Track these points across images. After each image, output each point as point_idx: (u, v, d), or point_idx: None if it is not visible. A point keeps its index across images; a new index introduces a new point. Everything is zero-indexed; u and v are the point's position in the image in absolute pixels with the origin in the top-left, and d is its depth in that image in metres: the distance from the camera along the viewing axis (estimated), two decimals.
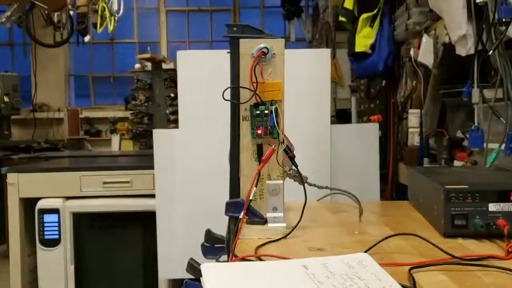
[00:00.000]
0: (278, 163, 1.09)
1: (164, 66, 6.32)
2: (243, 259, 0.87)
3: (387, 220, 1.25)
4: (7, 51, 9.76)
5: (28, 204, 2.61)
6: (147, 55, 6.07)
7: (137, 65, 6.74)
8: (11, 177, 2.60)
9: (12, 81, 5.71)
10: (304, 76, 2.07)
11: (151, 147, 2.28)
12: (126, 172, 2.62)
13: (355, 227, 1.16)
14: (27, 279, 2.67)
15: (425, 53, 2.03)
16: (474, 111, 1.61)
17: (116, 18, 4.68)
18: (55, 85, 9.19)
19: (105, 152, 5.83)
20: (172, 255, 2.18)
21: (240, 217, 1.06)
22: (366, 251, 0.87)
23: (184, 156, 2.12)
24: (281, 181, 1.10)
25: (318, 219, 1.23)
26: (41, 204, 2.54)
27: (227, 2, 8.99)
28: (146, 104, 6.64)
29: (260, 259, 0.87)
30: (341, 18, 2.80)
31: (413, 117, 2.25)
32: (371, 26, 2.58)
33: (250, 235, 1.05)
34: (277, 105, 1.08)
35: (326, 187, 1.31)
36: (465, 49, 1.60)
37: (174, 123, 6.13)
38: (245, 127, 1.10)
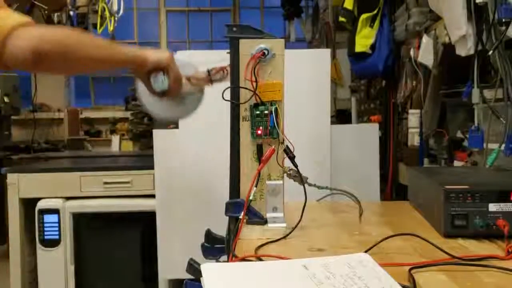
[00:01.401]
0: (278, 163, 1.09)
1: None
2: (243, 259, 0.87)
3: (387, 220, 1.25)
4: None
5: (28, 204, 2.61)
6: None
7: None
8: (11, 177, 2.60)
9: (12, 81, 5.70)
10: (304, 76, 2.07)
11: (151, 147, 2.28)
12: (126, 172, 2.62)
13: (355, 227, 1.16)
14: (27, 279, 2.66)
15: (425, 53, 2.02)
16: (474, 111, 1.61)
17: (116, 18, 4.67)
18: (55, 85, 9.18)
19: (105, 152, 5.82)
20: (172, 255, 2.18)
21: (240, 217, 1.06)
22: (366, 251, 0.87)
23: (184, 156, 2.12)
24: (281, 181, 1.10)
25: (318, 219, 1.23)
26: (41, 205, 2.54)
27: (227, 2, 8.98)
28: None
29: (260, 259, 0.87)
30: (341, 18, 2.80)
31: (413, 117, 2.25)
32: (371, 26, 2.58)
33: (250, 235, 1.05)
34: (277, 105, 1.08)
35: (326, 187, 1.31)
36: (465, 49, 1.60)
37: (174, 123, 6.11)
38: (245, 127, 1.10)
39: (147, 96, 1.21)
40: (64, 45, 1.11)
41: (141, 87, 1.21)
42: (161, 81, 1.15)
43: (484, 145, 1.55)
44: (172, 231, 2.19)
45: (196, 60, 1.27)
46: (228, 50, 1.14)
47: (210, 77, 1.19)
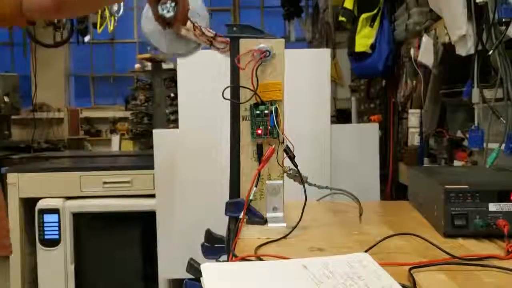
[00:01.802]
0: (278, 163, 1.09)
1: (164, 66, 6.31)
2: (243, 259, 0.87)
3: (387, 220, 1.25)
4: (7, 51, 9.77)
5: (28, 204, 2.61)
6: (147, 55, 6.06)
7: (137, 65, 6.74)
8: (11, 177, 2.60)
9: (12, 81, 5.71)
10: (304, 76, 2.07)
11: (151, 147, 2.28)
12: (126, 172, 2.62)
13: (355, 227, 1.16)
14: (27, 279, 2.67)
15: (425, 53, 2.02)
16: (474, 111, 1.61)
17: (116, 18, 4.68)
18: (55, 85, 9.19)
19: (105, 152, 5.83)
20: (172, 255, 2.18)
21: (240, 217, 1.06)
22: (366, 251, 0.87)
23: (184, 156, 2.12)
24: (281, 181, 1.10)
25: (318, 219, 1.23)
26: (41, 204, 2.54)
27: (227, 2, 8.99)
28: (146, 104, 6.64)
29: (260, 259, 0.87)
30: (341, 18, 2.80)
31: (413, 117, 2.25)
32: (371, 26, 2.58)
33: (250, 235, 1.05)
34: (277, 105, 1.08)
35: (326, 187, 1.31)
36: (465, 49, 1.60)
37: (174, 123, 6.13)
38: (245, 127, 1.10)
39: (150, 24, 1.23)
40: None
41: (147, 13, 1.23)
42: (168, 8, 1.17)
43: (484, 145, 1.55)
44: (172, 231, 2.19)
45: None
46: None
47: (213, 40, 1.19)
